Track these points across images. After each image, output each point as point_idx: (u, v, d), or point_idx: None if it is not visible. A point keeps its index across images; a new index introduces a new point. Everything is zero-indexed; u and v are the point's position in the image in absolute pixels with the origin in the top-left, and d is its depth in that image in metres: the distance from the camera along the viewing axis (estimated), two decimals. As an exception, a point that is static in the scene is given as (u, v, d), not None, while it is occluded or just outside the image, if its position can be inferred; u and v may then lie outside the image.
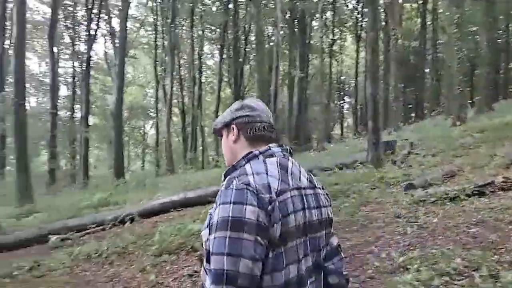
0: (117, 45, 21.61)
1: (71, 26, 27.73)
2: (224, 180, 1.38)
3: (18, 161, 14.69)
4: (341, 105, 41.23)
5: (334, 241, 1.54)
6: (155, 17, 29.52)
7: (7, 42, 22.00)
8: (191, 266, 5.23)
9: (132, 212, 8.71)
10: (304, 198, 1.37)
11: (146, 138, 36.85)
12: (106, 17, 26.11)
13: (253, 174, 1.32)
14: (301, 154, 14.38)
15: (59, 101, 25.90)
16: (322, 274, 1.42)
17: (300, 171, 1.43)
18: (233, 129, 1.49)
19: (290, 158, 1.44)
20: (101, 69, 31.31)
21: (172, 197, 9.92)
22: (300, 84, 22.86)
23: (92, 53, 26.83)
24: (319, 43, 27.00)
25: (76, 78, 28.04)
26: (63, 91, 30.45)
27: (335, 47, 34.64)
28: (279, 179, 1.32)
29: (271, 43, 26.89)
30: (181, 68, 30.20)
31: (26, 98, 17.62)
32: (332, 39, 33.37)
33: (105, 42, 30.49)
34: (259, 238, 1.20)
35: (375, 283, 3.88)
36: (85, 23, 26.81)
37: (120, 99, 20.07)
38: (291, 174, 1.38)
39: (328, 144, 20.46)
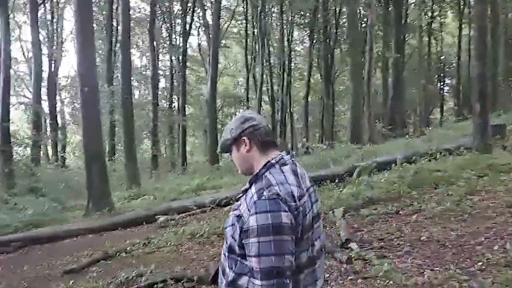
0: (211, 36, 22.49)
1: (168, 20, 29.43)
2: (249, 186, 1.62)
3: (126, 149, 16.15)
4: (441, 86, 38.37)
5: (323, 237, 1.79)
6: (245, 6, 30.05)
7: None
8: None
9: (228, 196, 9.10)
10: (309, 197, 1.62)
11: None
12: (200, 10, 27.28)
13: (278, 184, 1.53)
14: (396, 140, 13.73)
15: (158, 92, 27.74)
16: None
17: (304, 173, 1.68)
18: (244, 140, 1.67)
19: (295, 162, 1.68)
20: (196, 60, 32.85)
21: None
22: (395, 66, 21.68)
23: (187, 45, 28.30)
24: (417, 22, 25.31)
25: (173, 70, 29.79)
26: (162, 83, 32.53)
27: (434, 25, 32.23)
28: (297, 186, 1.56)
29: (364, 25, 25.87)
30: (270, 56, 30.47)
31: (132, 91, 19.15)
32: (431, 16, 31.11)
33: (198, 35, 31.79)
34: (293, 237, 1.48)
35: (487, 275, 3.62)
36: (181, 17, 28.30)
37: (213, 88, 20.94)
38: (302, 178, 1.63)
39: (426, 128, 19.25)
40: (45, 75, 23.43)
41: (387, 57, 22.24)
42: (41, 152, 21.34)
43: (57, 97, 27.31)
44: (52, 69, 25.71)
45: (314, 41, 30.03)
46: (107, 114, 20.83)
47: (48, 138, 23.06)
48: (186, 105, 27.48)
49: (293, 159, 1.69)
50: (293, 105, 33.00)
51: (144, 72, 31.68)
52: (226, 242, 1.62)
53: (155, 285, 4.75)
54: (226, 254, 1.62)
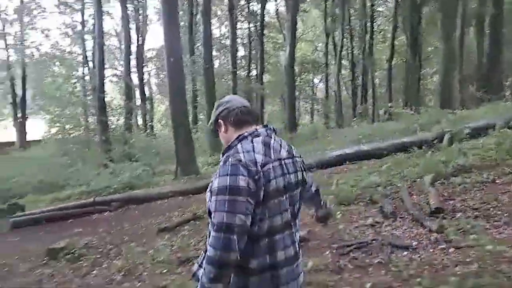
0: (289, 1, 22.03)
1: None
2: (222, 156, 1.82)
3: (208, 116, 16.72)
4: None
5: (314, 187, 2.14)
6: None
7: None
8: (372, 216, 5.24)
9: (308, 163, 9.11)
10: (284, 166, 1.80)
11: (315, 92, 37.38)
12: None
13: (243, 152, 1.73)
14: (492, 104, 12.55)
15: (237, 61, 28.06)
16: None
17: (281, 145, 1.86)
18: (220, 123, 1.93)
19: (273, 135, 1.87)
20: (274, 27, 32.52)
21: (346, 149, 9.97)
22: (492, 23, 19.58)
23: (265, 12, 28.03)
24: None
25: (251, 38, 29.83)
26: (241, 52, 32.81)
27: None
28: (263, 154, 1.74)
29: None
30: (351, 18, 29.16)
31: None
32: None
33: (276, 0, 31.28)
34: (249, 199, 1.64)
35: None
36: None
37: (292, 55, 20.68)
38: (273, 149, 1.81)
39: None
40: (133, 48, 24.85)
41: (483, 13, 20.10)
42: (132, 121, 22.95)
43: (145, 69, 28.90)
44: (139, 42, 27.13)
45: (399, 0, 28.04)
46: (189, 83, 21.65)
47: (138, 108, 24.67)
48: (264, 73, 27.53)
49: (269, 132, 1.88)
50: (375, 69, 31.52)
51: (223, 42, 32.15)
52: (208, 208, 1.80)
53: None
54: (208, 216, 1.80)
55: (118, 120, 22.75)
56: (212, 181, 1.75)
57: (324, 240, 4.81)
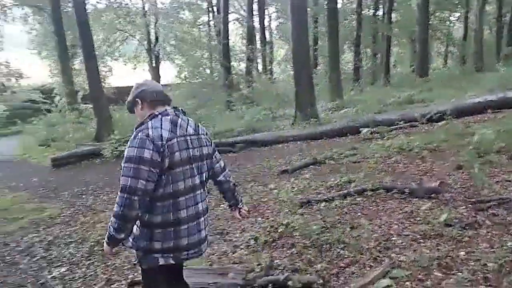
0: None
1: None
2: (135, 130, 2.14)
3: (331, 59, 16.17)
4: None
5: (222, 163, 2.54)
6: None
7: None
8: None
9: (442, 110, 8.31)
10: (189, 141, 2.17)
11: (451, 32, 33.36)
12: None
13: (152, 128, 2.08)
14: None
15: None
16: (206, 187, 2.29)
17: (188, 124, 2.22)
18: (137, 102, 2.23)
19: (180, 115, 2.22)
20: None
21: (487, 96, 8.84)
22: None
23: None
24: None
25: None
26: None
27: None
28: (169, 131, 2.09)
29: None
30: None
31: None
32: None
33: None
34: (151, 168, 2.00)
35: None
36: None
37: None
38: (180, 126, 2.16)
39: None
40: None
41: None
42: (253, 66, 23.40)
43: (266, 13, 28.79)
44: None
45: None
46: (311, 25, 21.00)
47: (259, 52, 24.97)
48: (392, 12, 25.29)
49: (177, 112, 2.23)
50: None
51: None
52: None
53: (365, 192, 4.83)
54: None
55: (239, 64, 23.44)
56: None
57: (459, 194, 4.41)
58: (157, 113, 2.18)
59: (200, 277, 3.23)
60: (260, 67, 27.53)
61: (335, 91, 15.44)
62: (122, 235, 2.10)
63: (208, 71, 22.23)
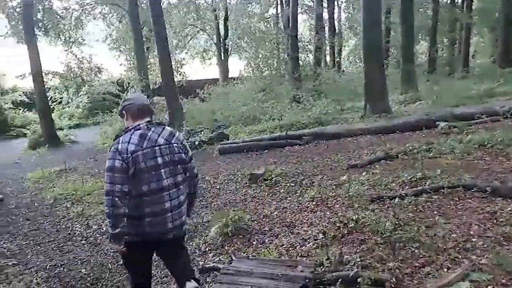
0: None
1: None
2: (115, 139, 2.71)
3: (403, 50, 15.45)
4: None
5: (194, 171, 2.98)
6: None
7: None
8: None
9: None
10: (157, 151, 2.67)
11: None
12: None
13: (120, 143, 2.62)
14: None
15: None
16: (182, 187, 2.80)
17: (159, 135, 2.72)
18: (123, 113, 2.82)
19: (153, 128, 2.72)
20: None
21: None
22: None
23: None
24: None
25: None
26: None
27: None
28: (136, 144, 2.61)
29: None
30: None
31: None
32: None
33: None
34: (123, 175, 2.54)
35: None
36: None
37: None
38: (148, 139, 2.66)
39: None
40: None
41: None
42: (321, 57, 23.01)
43: (335, 3, 28.13)
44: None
45: None
46: (383, 15, 20.18)
47: (327, 44, 24.51)
48: (473, -1, 23.56)
49: (149, 126, 2.72)
50: None
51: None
52: None
53: (441, 190, 4.57)
54: None
55: (307, 56, 23.15)
56: None
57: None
58: (131, 127, 2.73)
59: (269, 268, 3.26)
60: (328, 58, 27.03)
61: (408, 83, 14.76)
62: (117, 230, 2.60)
63: (275, 64, 22.22)
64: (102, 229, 5.55)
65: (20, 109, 20.63)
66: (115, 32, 24.87)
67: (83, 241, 5.25)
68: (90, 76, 22.52)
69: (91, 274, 4.18)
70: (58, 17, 19.92)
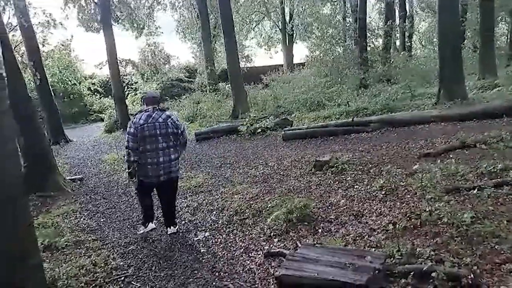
0: None
1: None
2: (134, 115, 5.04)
3: (482, 33, 14.30)
4: None
5: (183, 140, 4.79)
6: None
7: None
8: None
9: None
10: (157, 125, 4.51)
11: None
12: None
13: (136, 118, 4.59)
14: None
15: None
16: (172, 149, 4.64)
17: (160, 116, 4.56)
18: (142, 101, 4.86)
19: (156, 111, 4.58)
20: None
21: None
22: None
23: None
24: None
25: None
26: None
27: None
28: (143, 120, 4.50)
29: None
30: None
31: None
32: None
33: None
34: (135, 138, 4.50)
35: None
36: None
37: None
38: (152, 118, 4.52)
39: None
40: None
41: None
42: (391, 42, 21.98)
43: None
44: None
45: None
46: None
47: (397, 28, 23.36)
48: None
49: (154, 109, 4.59)
50: None
51: None
52: None
53: (527, 183, 4.20)
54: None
55: (376, 40, 22.24)
56: None
57: None
58: (143, 110, 4.63)
59: (336, 256, 3.20)
60: (398, 42, 25.78)
61: (486, 67, 13.66)
62: (130, 169, 4.60)
63: (341, 48, 21.61)
64: (172, 210, 5.78)
65: (97, 95, 22.02)
66: (183, 21, 25.59)
67: (154, 221, 5.50)
68: (160, 64, 23.43)
69: (162, 252, 4.37)
70: (131, 8, 20.85)
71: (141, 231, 4.95)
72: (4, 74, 2.62)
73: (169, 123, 4.54)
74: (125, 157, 4.62)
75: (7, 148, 2.53)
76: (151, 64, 22.81)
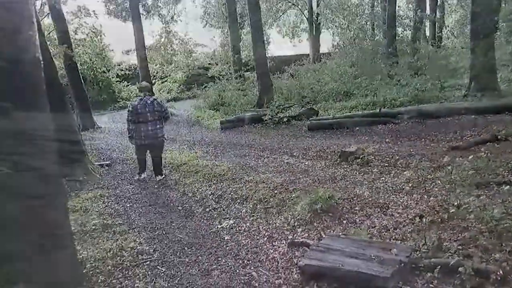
0: None
1: None
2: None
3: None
4: None
5: (166, 115, 7.15)
6: None
7: None
8: None
9: None
10: (146, 106, 6.83)
11: None
12: None
13: (132, 101, 7.45)
14: None
15: None
16: (158, 122, 6.98)
17: (150, 100, 6.90)
18: (138, 88, 8.45)
19: (146, 97, 6.93)
20: None
21: None
22: None
23: None
24: None
25: None
26: None
27: None
28: (137, 102, 6.93)
29: None
30: None
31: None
32: None
33: None
34: (131, 114, 6.90)
35: None
36: None
37: None
38: (143, 101, 6.87)
39: None
40: None
41: None
42: (420, 32, 21.41)
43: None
44: None
45: None
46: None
47: (427, 17, 22.71)
48: None
49: (146, 95, 6.95)
50: None
51: None
52: None
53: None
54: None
55: (404, 31, 21.74)
56: None
57: None
58: (139, 96, 7.11)
59: (361, 248, 3.18)
60: (428, 33, 25.07)
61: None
62: (129, 135, 7.01)
63: (369, 38, 21.21)
64: (196, 197, 5.85)
65: (125, 83, 22.37)
66: (210, 9, 25.60)
67: (179, 207, 5.59)
68: (186, 52, 23.56)
69: (186, 239, 4.44)
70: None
71: (136, 178, 7.20)
72: (41, 58, 2.69)
73: (155, 104, 6.80)
74: (126, 127, 7.06)
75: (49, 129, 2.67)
76: (176, 53, 22.96)
